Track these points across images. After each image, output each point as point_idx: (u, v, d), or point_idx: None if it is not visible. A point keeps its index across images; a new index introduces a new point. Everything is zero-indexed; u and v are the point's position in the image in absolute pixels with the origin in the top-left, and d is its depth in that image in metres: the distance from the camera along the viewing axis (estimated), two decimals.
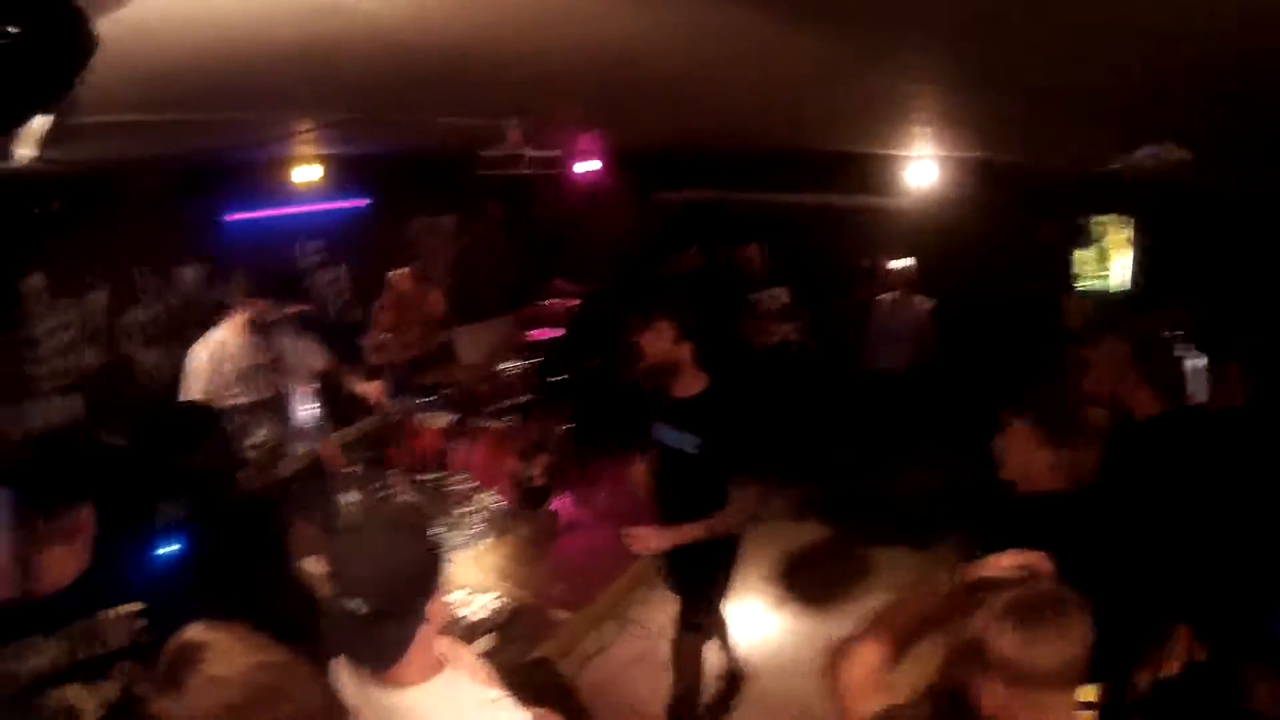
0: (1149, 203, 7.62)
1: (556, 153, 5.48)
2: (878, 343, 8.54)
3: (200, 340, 5.34)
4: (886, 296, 8.51)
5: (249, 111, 4.01)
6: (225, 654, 1.69)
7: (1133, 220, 8.48)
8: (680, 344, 4.38)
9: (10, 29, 1.39)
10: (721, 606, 5.04)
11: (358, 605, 2.02)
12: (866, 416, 8.51)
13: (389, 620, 2.05)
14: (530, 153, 5.20)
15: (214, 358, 5.24)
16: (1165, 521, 3.73)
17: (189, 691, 1.63)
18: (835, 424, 8.64)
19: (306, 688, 1.77)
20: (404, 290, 8.11)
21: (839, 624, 6.22)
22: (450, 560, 2.08)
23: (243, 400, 5.30)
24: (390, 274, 8.17)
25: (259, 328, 5.34)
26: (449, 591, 2.29)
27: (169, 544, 4.04)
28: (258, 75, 3.01)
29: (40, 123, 1.93)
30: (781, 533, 7.68)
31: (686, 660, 4.89)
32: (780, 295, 8.80)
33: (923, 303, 8.38)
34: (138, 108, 3.38)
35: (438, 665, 2.20)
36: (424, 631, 2.11)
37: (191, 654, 1.68)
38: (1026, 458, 3.25)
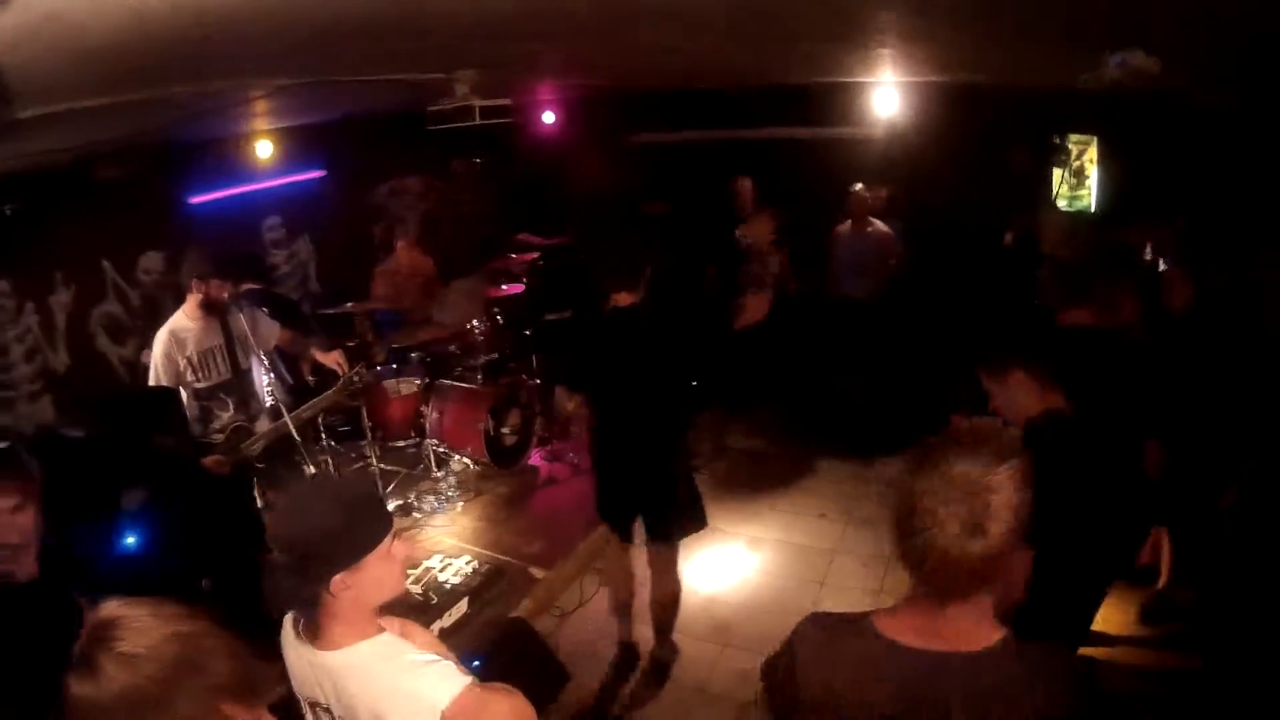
0: (1120, 119, 7.65)
1: (507, 101, 5.43)
2: (840, 272, 8.79)
3: (159, 331, 5.45)
4: (844, 226, 8.72)
5: (195, 84, 4.00)
6: (136, 630, 1.66)
7: (1098, 139, 8.54)
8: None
9: None
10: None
11: (280, 557, 2.15)
12: (836, 345, 8.74)
13: (294, 575, 2.15)
14: (479, 103, 5.20)
15: (169, 345, 5.32)
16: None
17: (100, 672, 1.61)
18: (807, 353, 8.84)
19: (222, 657, 1.75)
20: (403, 259, 8.33)
21: (799, 555, 6.58)
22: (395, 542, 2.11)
23: (203, 384, 5.41)
24: (398, 244, 8.50)
25: (212, 308, 5.42)
26: (384, 570, 2.26)
27: (134, 529, 4.19)
28: (200, 45, 2.95)
29: None
30: (749, 460, 8.05)
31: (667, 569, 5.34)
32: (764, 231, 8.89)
33: (881, 228, 8.59)
34: (77, 93, 3.34)
35: (371, 630, 2.27)
36: (333, 601, 2.18)
37: (103, 633, 1.65)
38: (1026, 402, 3.46)
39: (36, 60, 2.51)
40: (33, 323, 6.57)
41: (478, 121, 5.23)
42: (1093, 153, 8.64)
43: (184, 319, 5.42)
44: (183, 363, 5.33)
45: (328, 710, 2.32)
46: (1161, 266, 5.98)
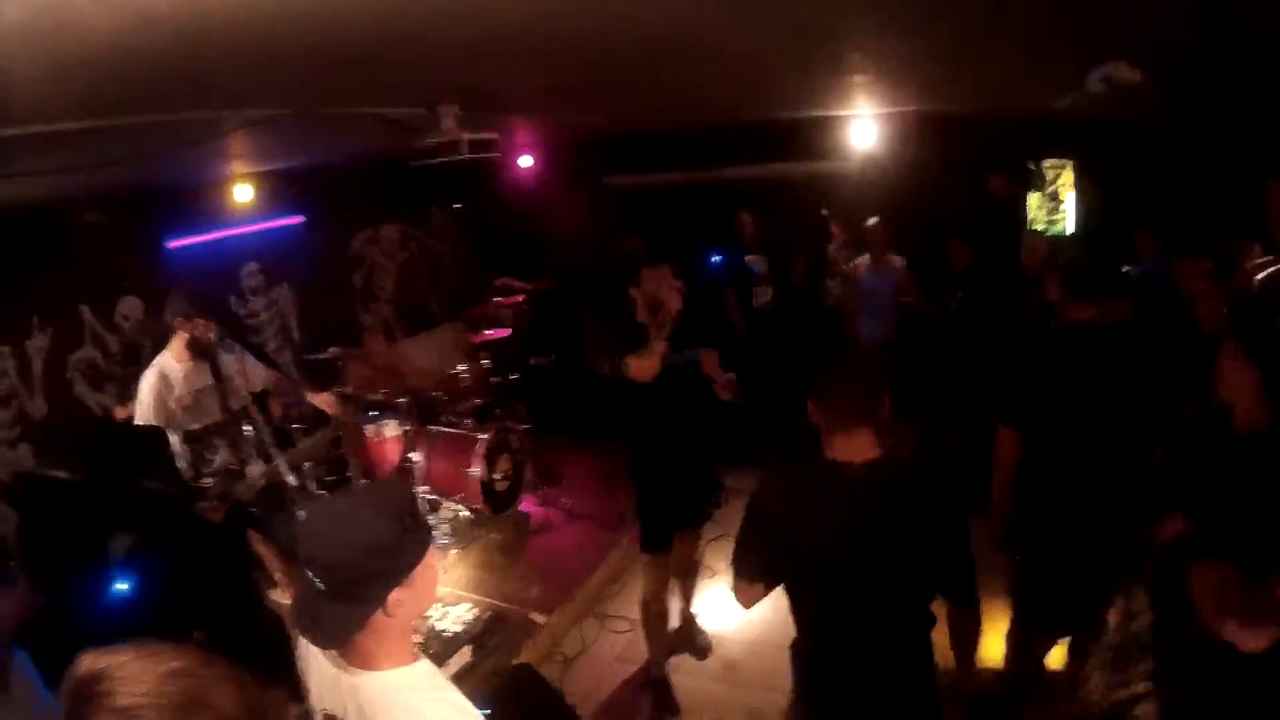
0: (1095, 143, 7.70)
1: (494, 135, 5.24)
2: (862, 313, 8.29)
3: (147, 370, 5.23)
4: (862, 261, 8.30)
5: (179, 111, 3.84)
6: (126, 678, 1.42)
7: (1074, 163, 8.55)
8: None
9: None
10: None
11: (317, 582, 2.00)
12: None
13: (341, 600, 2.00)
14: (468, 136, 5.01)
15: (158, 386, 5.11)
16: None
17: None
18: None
19: (227, 687, 1.53)
20: (378, 350, 8.12)
21: None
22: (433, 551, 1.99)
23: (193, 426, 5.18)
24: (365, 335, 8.39)
25: (200, 349, 5.22)
26: (427, 583, 2.13)
27: (122, 576, 3.95)
28: (189, 63, 2.80)
29: None
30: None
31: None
32: (761, 262, 8.90)
33: (897, 263, 8.16)
34: (60, 112, 3.21)
35: (409, 656, 2.12)
36: (383, 620, 2.03)
37: (89, 689, 1.42)
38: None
39: (25, 69, 2.37)
40: (9, 368, 6.31)
41: (466, 155, 5.02)
42: (1068, 177, 8.64)
43: (171, 360, 5.21)
44: (173, 403, 5.11)
45: None
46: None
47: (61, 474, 4.90)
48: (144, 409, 5.07)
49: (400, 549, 2.02)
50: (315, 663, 2.21)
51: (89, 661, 1.44)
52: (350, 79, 3.70)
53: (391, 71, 3.61)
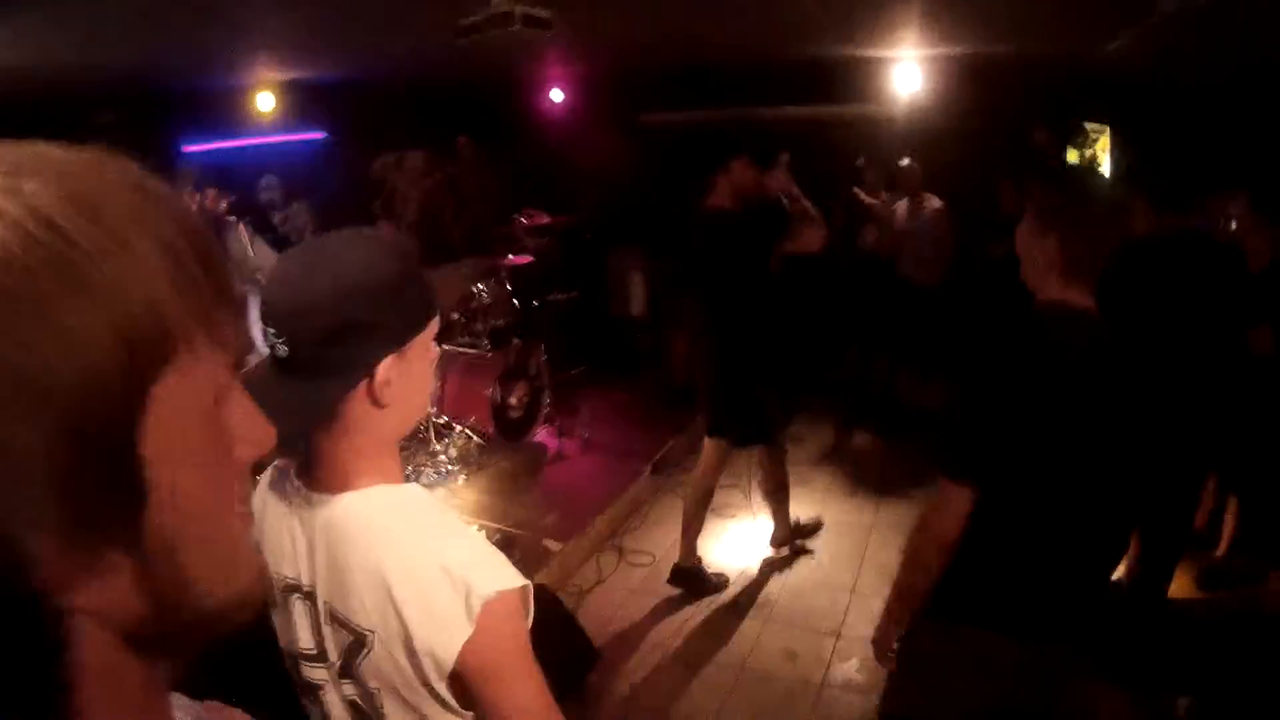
0: (1132, 108, 7.38)
1: (548, 13, 4.67)
2: (903, 254, 7.90)
3: None
4: (901, 204, 7.91)
5: None
6: None
7: (1110, 128, 8.14)
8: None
9: None
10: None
11: (280, 346, 1.33)
12: (901, 328, 8.02)
13: (312, 373, 1.34)
14: (522, 9, 4.45)
15: None
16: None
17: None
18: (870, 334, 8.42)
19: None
20: None
21: (836, 531, 5.89)
22: (434, 302, 1.26)
23: None
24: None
25: (208, 221, 4.70)
26: (421, 373, 1.46)
27: None
28: None
29: None
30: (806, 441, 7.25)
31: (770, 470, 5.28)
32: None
33: (936, 203, 7.78)
34: None
35: (395, 475, 1.48)
36: (365, 415, 1.39)
37: None
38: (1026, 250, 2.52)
39: None
40: None
41: (517, 28, 4.47)
42: (1105, 142, 8.18)
43: None
44: None
45: (307, 596, 1.50)
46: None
47: None
48: None
49: (402, 297, 1.38)
50: (270, 522, 1.54)
51: None
52: None
53: None
